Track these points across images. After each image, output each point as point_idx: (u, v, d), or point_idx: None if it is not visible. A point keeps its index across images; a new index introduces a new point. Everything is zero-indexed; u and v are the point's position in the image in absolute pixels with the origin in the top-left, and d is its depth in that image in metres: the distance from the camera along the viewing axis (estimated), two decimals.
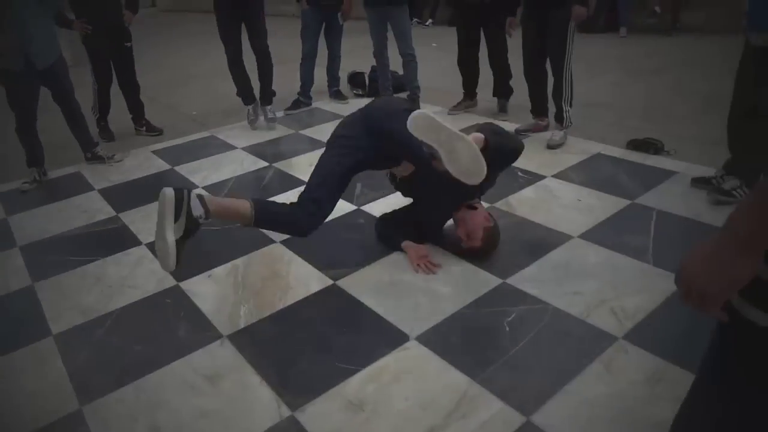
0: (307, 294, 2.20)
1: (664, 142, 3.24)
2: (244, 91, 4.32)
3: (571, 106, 3.46)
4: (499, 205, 2.78)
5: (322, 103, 4.86)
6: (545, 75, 3.58)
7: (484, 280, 2.19)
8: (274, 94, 4.39)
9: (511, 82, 4.13)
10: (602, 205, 2.69)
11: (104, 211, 3.11)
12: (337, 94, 4.89)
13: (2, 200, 3.35)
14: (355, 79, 5.13)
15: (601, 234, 2.45)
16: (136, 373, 1.84)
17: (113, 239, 2.78)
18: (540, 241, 2.44)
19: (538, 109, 3.72)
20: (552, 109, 3.58)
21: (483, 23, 3.94)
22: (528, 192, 2.90)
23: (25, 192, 3.43)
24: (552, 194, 2.86)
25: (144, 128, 4.39)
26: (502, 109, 4.22)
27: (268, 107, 4.35)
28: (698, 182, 2.76)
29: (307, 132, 4.17)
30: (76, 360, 1.94)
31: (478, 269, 2.27)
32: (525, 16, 3.50)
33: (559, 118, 3.50)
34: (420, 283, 2.21)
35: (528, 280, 2.17)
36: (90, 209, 3.14)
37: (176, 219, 1.92)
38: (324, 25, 4.57)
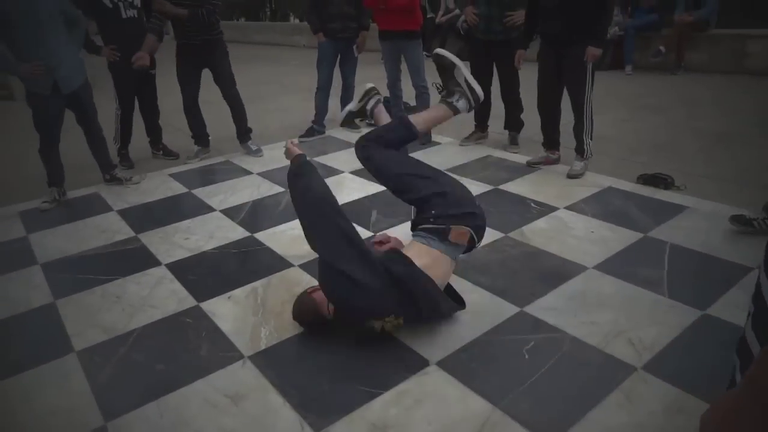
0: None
1: (674, 178, 3.31)
2: (198, 133, 4.38)
3: (591, 138, 3.54)
4: (513, 234, 2.83)
5: (335, 131, 4.96)
6: (559, 109, 3.67)
7: (502, 308, 2.22)
8: (250, 131, 4.47)
9: (522, 116, 4.23)
10: (615, 237, 2.74)
11: (123, 231, 3.16)
12: (349, 123, 4.99)
13: (23, 218, 3.41)
14: None
15: (615, 266, 2.48)
16: (159, 391, 1.86)
17: (132, 259, 2.82)
18: (555, 272, 2.48)
19: (550, 142, 3.80)
20: (572, 143, 3.62)
21: (495, 57, 4.06)
22: (541, 223, 2.96)
23: (44, 211, 3.49)
24: (565, 225, 2.91)
25: (161, 152, 4.48)
26: (513, 142, 4.30)
27: (249, 142, 4.44)
28: (738, 221, 2.68)
29: (321, 159, 4.25)
30: (99, 377, 1.96)
31: (495, 297, 2.30)
32: (542, 50, 3.60)
33: (580, 150, 3.56)
34: None
35: (545, 309, 2.20)
36: (109, 229, 3.19)
37: (359, 101, 2.66)
38: (339, 56, 4.71)
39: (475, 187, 3.47)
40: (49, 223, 3.33)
